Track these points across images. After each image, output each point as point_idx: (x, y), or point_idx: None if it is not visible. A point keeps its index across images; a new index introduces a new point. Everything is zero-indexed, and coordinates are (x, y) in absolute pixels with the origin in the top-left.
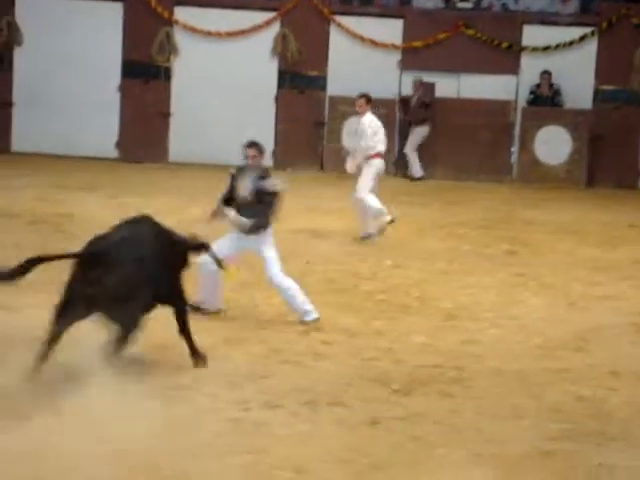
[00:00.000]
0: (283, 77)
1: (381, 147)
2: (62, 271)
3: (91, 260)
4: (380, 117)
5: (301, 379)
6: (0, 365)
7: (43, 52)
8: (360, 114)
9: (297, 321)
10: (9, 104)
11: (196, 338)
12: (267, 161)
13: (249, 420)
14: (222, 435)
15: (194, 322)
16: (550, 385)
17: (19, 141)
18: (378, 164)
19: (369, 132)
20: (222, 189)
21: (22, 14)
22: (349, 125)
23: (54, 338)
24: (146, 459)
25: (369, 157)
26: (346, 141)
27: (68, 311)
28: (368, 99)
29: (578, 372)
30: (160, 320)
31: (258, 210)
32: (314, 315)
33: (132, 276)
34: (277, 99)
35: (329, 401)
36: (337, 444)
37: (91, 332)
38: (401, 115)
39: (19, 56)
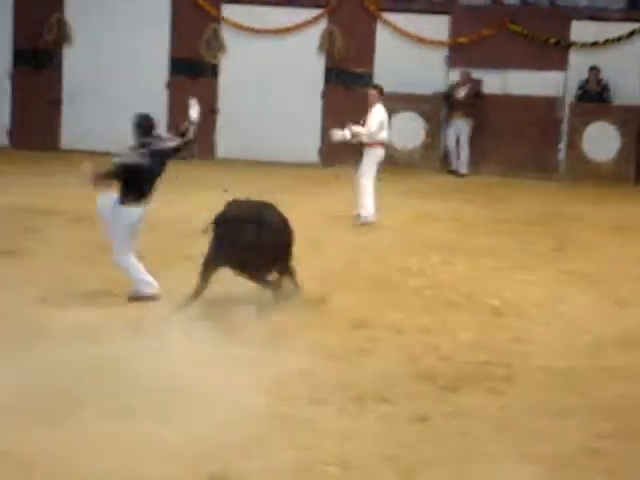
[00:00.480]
0: (330, 74)
1: (384, 136)
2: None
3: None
4: (425, 113)
5: (347, 375)
6: (43, 361)
7: (92, 49)
8: (372, 105)
9: (344, 319)
10: (58, 102)
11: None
12: (313, 158)
13: (296, 416)
14: (269, 431)
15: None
16: (598, 383)
17: (67, 138)
18: (380, 153)
19: (377, 122)
20: (265, 184)
21: (72, 11)
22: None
23: (206, 279)
24: (192, 457)
25: (372, 145)
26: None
27: (217, 259)
28: (381, 91)
29: (626, 370)
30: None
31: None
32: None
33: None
34: (324, 96)
35: (376, 397)
36: (384, 440)
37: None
38: (446, 108)
39: (68, 53)
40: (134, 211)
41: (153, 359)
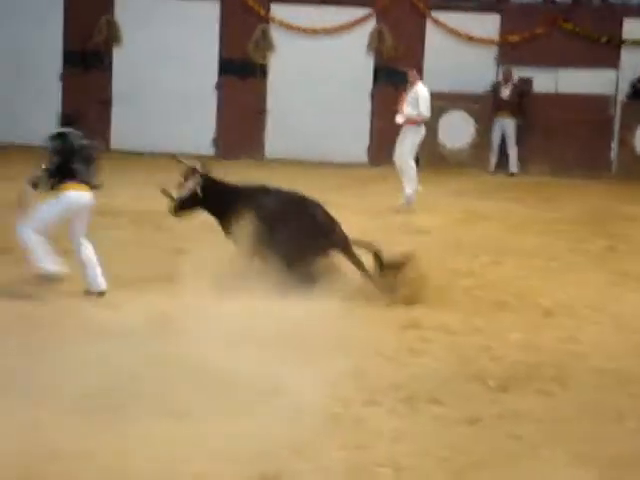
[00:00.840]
0: (379, 73)
1: (427, 114)
2: (164, 268)
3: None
4: (475, 112)
5: (399, 376)
6: (98, 362)
7: (141, 50)
8: (412, 84)
9: (395, 319)
10: (108, 102)
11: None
12: (362, 157)
13: (348, 416)
14: (321, 431)
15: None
16: None
17: (117, 139)
18: (422, 131)
19: (426, 103)
20: (313, 184)
21: (121, 13)
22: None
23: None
24: (244, 456)
25: (416, 123)
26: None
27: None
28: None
29: None
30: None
31: None
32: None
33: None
34: (373, 95)
35: (427, 398)
36: (436, 441)
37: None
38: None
39: (118, 54)
40: (72, 195)
41: (203, 357)
